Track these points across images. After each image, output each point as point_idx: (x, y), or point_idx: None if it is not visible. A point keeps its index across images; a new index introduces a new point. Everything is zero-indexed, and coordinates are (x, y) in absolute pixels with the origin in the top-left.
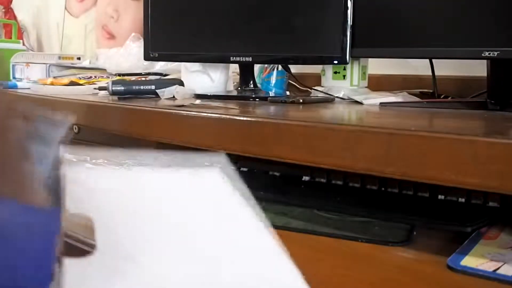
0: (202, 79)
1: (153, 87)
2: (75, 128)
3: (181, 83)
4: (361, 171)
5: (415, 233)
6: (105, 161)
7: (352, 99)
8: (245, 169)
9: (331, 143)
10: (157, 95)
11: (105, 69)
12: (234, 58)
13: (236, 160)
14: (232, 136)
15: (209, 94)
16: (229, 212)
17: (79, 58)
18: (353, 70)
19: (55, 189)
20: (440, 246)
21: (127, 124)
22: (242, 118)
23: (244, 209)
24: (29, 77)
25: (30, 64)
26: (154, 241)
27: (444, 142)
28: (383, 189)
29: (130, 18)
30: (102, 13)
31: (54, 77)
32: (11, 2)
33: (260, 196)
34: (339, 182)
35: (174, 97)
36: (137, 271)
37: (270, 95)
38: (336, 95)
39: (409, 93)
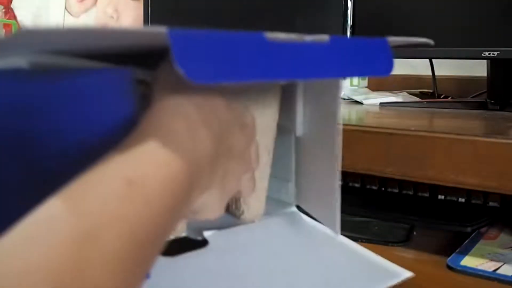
0: None
1: None
2: None
3: None
4: (361, 171)
5: (415, 233)
6: None
7: (352, 99)
8: None
9: None
10: None
11: None
12: None
13: None
14: None
15: None
16: None
17: None
18: None
19: None
20: (440, 246)
21: None
22: None
23: None
24: None
25: None
26: None
27: (444, 142)
28: (383, 189)
29: (130, 18)
30: (102, 13)
31: None
32: (11, 2)
33: None
34: (339, 182)
35: None
36: None
37: None
38: None
39: (409, 93)
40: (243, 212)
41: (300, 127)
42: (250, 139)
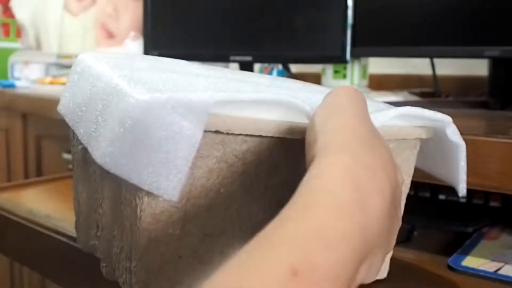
0: None
1: None
2: None
3: None
4: None
5: (415, 233)
6: None
7: None
8: None
9: None
10: None
11: None
12: (234, 57)
13: None
14: None
15: None
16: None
17: None
18: (354, 69)
19: None
20: (440, 246)
21: None
22: None
23: None
24: (28, 76)
25: (29, 63)
26: None
27: None
28: None
29: (130, 17)
30: (101, 12)
31: (53, 76)
32: (9, 0)
33: None
34: None
35: None
36: None
37: None
38: None
39: (410, 93)
40: None
41: None
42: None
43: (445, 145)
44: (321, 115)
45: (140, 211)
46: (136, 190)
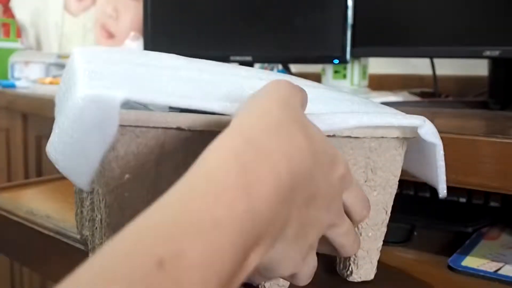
0: None
1: None
2: None
3: None
4: None
5: (415, 233)
6: None
7: None
8: None
9: None
10: None
11: None
12: (234, 57)
13: None
14: None
15: None
16: None
17: None
18: (354, 70)
19: None
20: (440, 246)
21: None
22: None
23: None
24: (28, 76)
25: (29, 63)
26: None
27: (445, 142)
28: None
29: (130, 17)
30: (101, 12)
31: (54, 76)
32: (9, 0)
33: None
34: None
35: None
36: None
37: None
38: None
39: (410, 93)
40: (351, 273)
41: None
42: (342, 187)
43: (423, 146)
44: (247, 101)
45: (107, 206)
46: (105, 185)
